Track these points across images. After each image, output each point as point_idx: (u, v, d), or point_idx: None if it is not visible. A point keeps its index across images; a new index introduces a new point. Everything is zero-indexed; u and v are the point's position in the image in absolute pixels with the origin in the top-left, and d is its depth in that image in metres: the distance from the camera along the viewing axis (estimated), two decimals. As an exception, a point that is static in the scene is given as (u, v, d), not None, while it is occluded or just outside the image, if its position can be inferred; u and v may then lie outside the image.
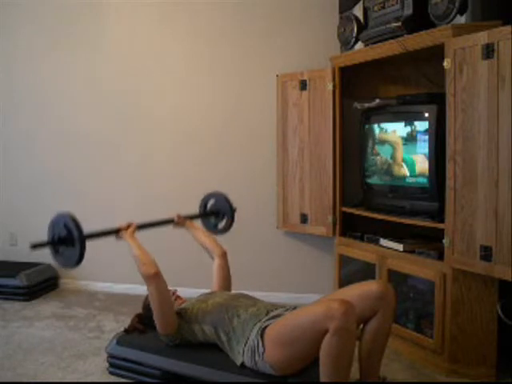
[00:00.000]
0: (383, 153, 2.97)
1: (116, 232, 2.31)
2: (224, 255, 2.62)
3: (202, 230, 2.74)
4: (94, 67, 3.95)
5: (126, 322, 2.76)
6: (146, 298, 2.51)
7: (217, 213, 2.78)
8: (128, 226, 2.32)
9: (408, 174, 2.79)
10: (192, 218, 2.73)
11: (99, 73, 3.95)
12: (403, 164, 2.83)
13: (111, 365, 2.49)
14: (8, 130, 4.19)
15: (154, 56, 3.84)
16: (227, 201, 2.76)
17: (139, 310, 2.59)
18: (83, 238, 2.09)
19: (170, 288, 2.32)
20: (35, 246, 2.12)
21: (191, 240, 2.82)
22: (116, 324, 3.22)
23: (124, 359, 2.43)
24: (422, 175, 2.71)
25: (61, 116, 4.05)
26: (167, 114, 3.86)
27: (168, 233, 3.82)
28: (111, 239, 3.99)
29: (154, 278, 2.20)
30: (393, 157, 2.89)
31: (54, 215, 2.16)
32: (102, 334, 3.07)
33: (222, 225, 2.78)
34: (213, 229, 2.81)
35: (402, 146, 2.83)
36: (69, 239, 2.09)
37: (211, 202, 2.82)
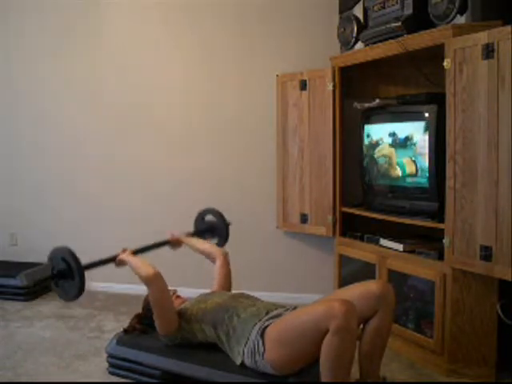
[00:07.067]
0: (383, 153, 2.97)
1: (114, 259, 2.33)
2: (225, 255, 2.64)
3: (197, 240, 2.77)
4: (94, 70, 3.95)
5: (125, 322, 2.75)
6: (146, 298, 2.51)
7: (211, 230, 2.84)
8: (124, 251, 2.36)
9: (402, 175, 2.81)
10: (187, 235, 2.79)
11: (99, 74, 3.95)
12: (397, 166, 2.85)
13: (111, 365, 2.49)
14: (9, 133, 4.19)
15: (154, 57, 3.84)
16: (221, 217, 2.82)
17: (139, 310, 2.58)
18: (82, 270, 2.09)
19: (170, 288, 2.32)
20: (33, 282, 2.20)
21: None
22: (116, 324, 3.22)
23: (124, 359, 2.43)
24: (421, 175, 2.72)
25: (62, 118, 4.04)
26: (167, 113, 3.85)
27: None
28: (112, 237, 4.01)
29: (154, 279, 2.21)
30: (391, 158, 2.90)
31: (51, 250, 2.18)
32: (102, 334, 3.07)
33: (215, 242, 2.85)
34: None
35: (402, 146, 2.84)
36: (68, 272, 2.10)
37: (206, 219, 2.88)
